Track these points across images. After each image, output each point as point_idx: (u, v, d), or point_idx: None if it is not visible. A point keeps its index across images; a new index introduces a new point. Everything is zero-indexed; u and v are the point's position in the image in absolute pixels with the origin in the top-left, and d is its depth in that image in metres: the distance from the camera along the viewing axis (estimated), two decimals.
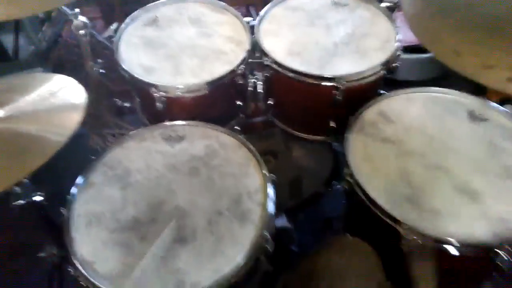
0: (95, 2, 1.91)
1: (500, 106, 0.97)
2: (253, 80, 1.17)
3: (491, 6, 0.69)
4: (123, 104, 1.35)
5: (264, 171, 0.89)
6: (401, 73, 1.12)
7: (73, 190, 0.90)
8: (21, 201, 0.92)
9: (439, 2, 0.74)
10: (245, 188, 0.87)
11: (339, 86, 0.99)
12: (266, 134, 1.26)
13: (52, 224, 0.99)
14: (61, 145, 0.84)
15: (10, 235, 1.42)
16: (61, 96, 1.01)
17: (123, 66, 1.08)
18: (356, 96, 1.02)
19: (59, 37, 2.63)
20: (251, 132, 1.25)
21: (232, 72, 1.07)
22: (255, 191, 0.87)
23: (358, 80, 1.00)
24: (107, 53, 1.33)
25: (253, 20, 1.19)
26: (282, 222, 1.14)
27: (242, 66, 1.08)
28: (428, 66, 1.74)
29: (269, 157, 1.27)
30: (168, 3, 1.29)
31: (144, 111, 1.21)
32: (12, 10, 0.92)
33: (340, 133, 0.98)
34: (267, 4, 1.22)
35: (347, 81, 0.99)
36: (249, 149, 0.95)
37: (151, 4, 1.27)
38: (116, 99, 1.36)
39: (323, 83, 1.00)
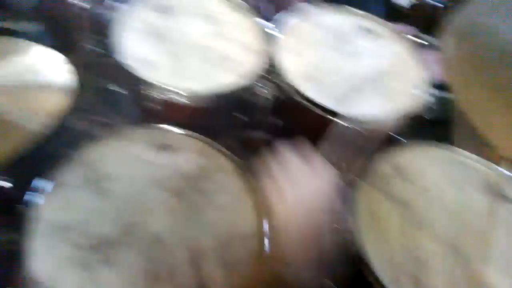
0: None
1: None
2: (260, 95, 1.05)
3: None
4: (118, 91, 1.22)
5: (263, 214, 0.78)
6: None
7: (42, 187, 0.77)
8: None
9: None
10: (236, 228, 0.77)
11: (354, 127, 0.89)
12: (261, 152, 1.15)
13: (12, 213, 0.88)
14: (39, 136, 0.74)
15: None
16: (45, 73, 0.90)
17: (119, 53, 0.95)
18: (371, 139, 0.92)
19: None
20: (249, 148, 1.14)
21: (240, 85, 0.96)
22: (248, 235, 0.76)
23: (376, 124, 0.91)
24: (98, 32, 1.19)
25: (274, 27, 1.08)
26: None
27: (253, 81, 0.97)
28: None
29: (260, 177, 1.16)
30: None
31: (134, 106, 1.08)
32: None
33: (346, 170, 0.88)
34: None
35: (364, 123, 0.90)
36: (248, 179, 0.84)
37: None
38: (110, 84, 1.22)
39: (337, 120, 0.91)
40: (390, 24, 1.18)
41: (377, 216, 0.82)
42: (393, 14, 1.55)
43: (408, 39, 1.11)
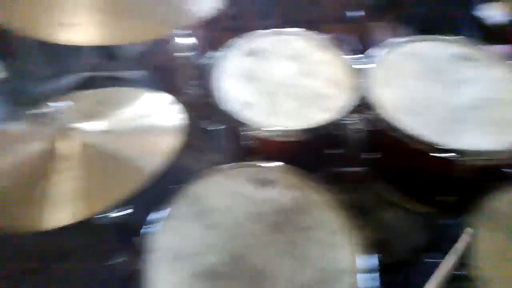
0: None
1: None
2: (353, 129, 1.06)
3: None
4: (209, 128, 1.33)
5: (357, 250, 0.79)
6: None
7: (157, 218, 0.87)
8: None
9: None
10: (332, 263, 0.78)
11: (461, 161, 0.85)
12: (357, 187, 1.14)
13: (129, 238, 1.00)
14: (155, 175, 0.82)
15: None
16: (157, 115, 0.99)
17: (217, 96, 1.05)
18: (481, 173, 0.87)
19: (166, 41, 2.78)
20: (340, 182, 1.14)
21: (332, 122, 0.98)
22: (344, 271, 0.77)
23: (486, 158, 0.85)
24: (199, 78, 1.33)
25: (363, 61, 1.09)
26: None
27: (345, 116, 0.99)
28: None
29: (356, 212, 1.15)
30: (268, 34, 1.25)
31: (234, 144, 1.17)
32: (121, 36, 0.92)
33: (451, 209, 0.83)
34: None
35: (472, 157, 0.85)
36: (342, 214, 0.85)
37: (250, 33, 1.24)
38: (203, 122, 1.34)
39: (442, 155, 0.87)
40: (487, 47, 1.12)
41: (505, 257, 0.76)
42: (489, 35, 1.46)
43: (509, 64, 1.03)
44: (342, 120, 1.00)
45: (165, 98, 1.03)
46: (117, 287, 1.24)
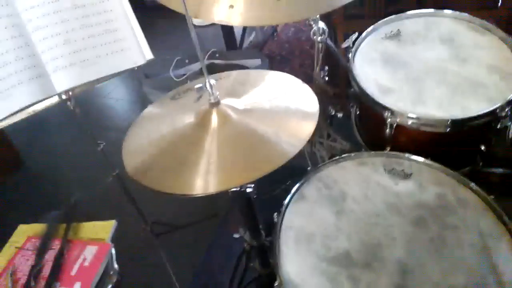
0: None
1: None
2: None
3: None
4: (336, 114, 1.31)
5: None
6: None
7: (287, 198, 0.88)
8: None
9: None
10: (492, 269, 0.69)
11: None
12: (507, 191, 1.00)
13: (252, 213, 1.03)
14: (291, 156, 0.82)
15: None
16: (293, 99, 0.95)
17: (358, 82, 1.01)
18: None
19: (275, 32, 2.84)
20: (485, 183, 1.02)
21: (492, 113, 0.87)
22: (505, 283, 0.67)
23: None
24: (333, 62, 1.29)
25: None
26: None
27: (508, 108, 0.86)
28: None
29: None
30: (414, 16, 1.15)
31: (364, 131, 1.12)
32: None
33: None
34: None
35: None
36: (499, 216, 0.75)
37: (393, 16, 1.16)
38: (330, 107, 1.32)
39: None
40: None
41: None
42: None
43: None
44: (498, 112, 0.87)
45: (296, 82, 1.03)
46: (236, 259, 1.33)
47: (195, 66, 2.30)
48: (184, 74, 2.26)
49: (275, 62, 2.42)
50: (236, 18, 0.84)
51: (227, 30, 2.38)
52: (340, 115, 1.32)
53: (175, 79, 2.20)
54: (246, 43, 2.61)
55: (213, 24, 3.19)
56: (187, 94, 0.97)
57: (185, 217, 1.65)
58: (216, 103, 0.84)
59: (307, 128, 0.80)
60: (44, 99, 0.99)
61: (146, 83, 2.22)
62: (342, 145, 1.20)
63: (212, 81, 0.83)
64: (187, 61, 2.26)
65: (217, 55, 2.31)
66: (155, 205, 1.29)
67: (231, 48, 2.43)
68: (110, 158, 1.11)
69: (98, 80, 1.04)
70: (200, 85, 0.84)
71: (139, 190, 0.76)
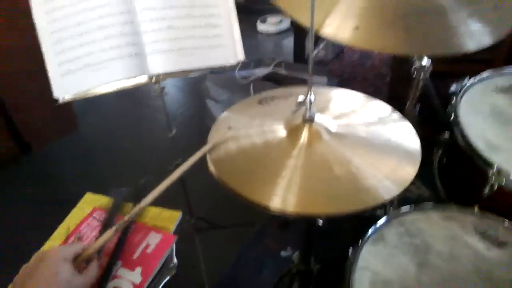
0: None
1: None
2: None
3: None
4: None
5: None
6: None
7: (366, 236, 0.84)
8: None
9: None
10: None
11: None
12: None
13: (310, 237, 0.98)
14: (385, 201, 0.71)
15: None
16: (392, 132, 0.84)
17: (463, 131, 0.95)
18: None
19: (342, 52, 2.80)
20: None
21: None
22: None
23: None
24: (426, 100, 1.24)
25: None
26: None
27: None
28: None
29: None
30: None
31: (451, 182, 1.06)
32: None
33: None
34: None
35: None
36: None
37: (509, 67, 1.09)
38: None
39: None
40: None
41: None
42: None
43: None
44: None
45: (392, 113, 0.89)
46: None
47: (259, 71, 2.29)
48: (247, 77, 2.25)
49: (332, 83, 2.37)
50: (360, 41, 0.80)
51: (300, 42, 2.36)
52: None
53: (238, 80, 2.20)
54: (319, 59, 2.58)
55: (286, 31, 3.18)
56: (275, 102, 0.94)
57: (222, 218, 1.65)
58: (310, 120, 0.80)
59: (409, 171, 0.72)
60: (133, 77, 1.00)
61: (210, 78, 2.23)
62: (420, 190, 1.13)
63: (313, 97, 0.79)
64: (252, 64, 2.25)
65: (282, 64, 2.29)
66: (194, 199, 1.32)
67: (299, 60, 2.40)
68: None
69: (188, 72, 1.04)
70: (303, 98, 0.80)
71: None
